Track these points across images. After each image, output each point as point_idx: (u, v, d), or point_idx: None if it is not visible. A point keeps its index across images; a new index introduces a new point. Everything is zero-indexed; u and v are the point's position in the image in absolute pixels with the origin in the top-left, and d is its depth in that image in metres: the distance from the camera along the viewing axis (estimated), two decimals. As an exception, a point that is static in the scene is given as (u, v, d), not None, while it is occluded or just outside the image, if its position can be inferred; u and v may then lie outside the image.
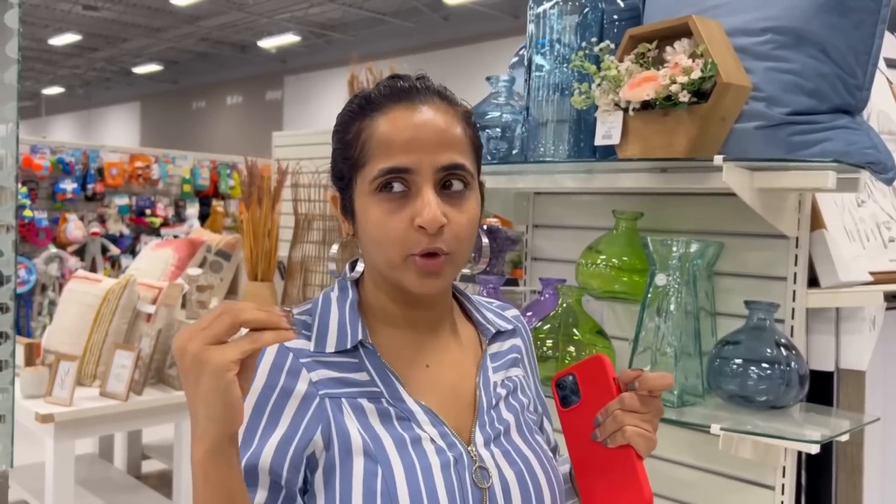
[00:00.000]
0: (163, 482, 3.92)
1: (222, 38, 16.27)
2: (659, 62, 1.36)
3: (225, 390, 0.66)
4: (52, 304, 5.40)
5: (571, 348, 1.48)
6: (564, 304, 1.53)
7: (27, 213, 5.44)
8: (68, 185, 5.67)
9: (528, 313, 1.75)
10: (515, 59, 1.87)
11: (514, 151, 1.68)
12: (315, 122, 14.02)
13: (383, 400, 0.82)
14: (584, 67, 1.40)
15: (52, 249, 5.58)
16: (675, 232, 1.67)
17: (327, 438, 0.79)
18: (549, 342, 1.50)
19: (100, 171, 5.88)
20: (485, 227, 1.91)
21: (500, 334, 0.95)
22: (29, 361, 3.29)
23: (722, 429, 1.25)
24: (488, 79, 1.70)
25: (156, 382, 3.26)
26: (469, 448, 0.83)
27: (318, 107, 15.41)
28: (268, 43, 15.73)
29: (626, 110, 1.38)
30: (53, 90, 22.21)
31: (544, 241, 1.91)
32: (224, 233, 5.61)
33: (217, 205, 6.51)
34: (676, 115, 1.30)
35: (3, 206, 1.82)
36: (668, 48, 1.36)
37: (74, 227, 5.64)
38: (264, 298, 4.16)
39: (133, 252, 5.97)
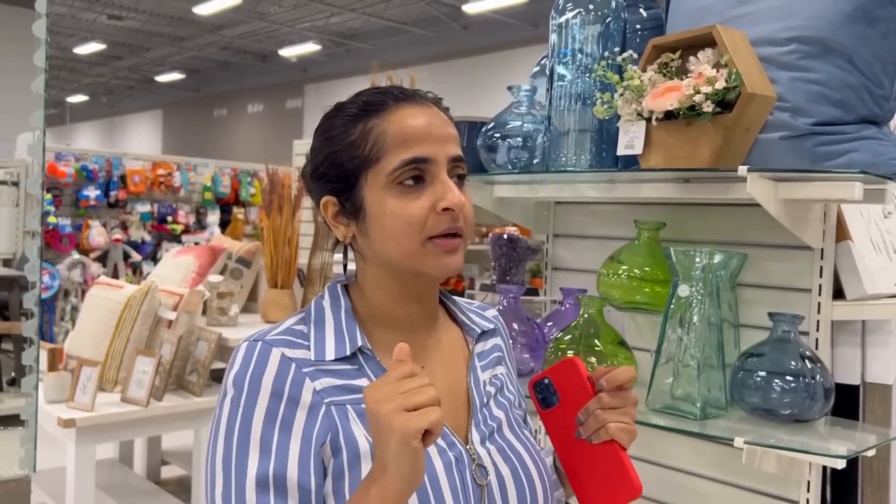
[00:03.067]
0: (181, 488, 3.94)
1: (244, 47, 16.42)
2: (682, 72, 1.36)
3: (413, 454, 0.70)
4: (75, 309, 5.46)
5: (593, 359, 1.47)
6: (586, 315, 1.52)
7: (51, 219, 5.51)
8: (91, 192, 5.73)
9: (549, 323, 1.75)
10: (537, 68, 1.87)
11: (535, 161, 1.68)
12: (334, 131, 13.94)
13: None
14: (607, 77, 1.40)
15: (75, 255, 5.65)
16: (696, 242, 1.66)
17: (336, 446, 0.80)
18: (569, 353, 1.50)
19: (122, 179, 5.94)
20: (504, 235, 1.91)
21: (483, 334, 0.99)
22: (52, 366, 3.32)
23: (746, 442, 1.24)
24: (510, 88, 1.71)
25: (176, 388, 3.28)
26: (468, 447, 0.88)
27: (338, 115, 15.43)
28: (289, 52, 15.85)
29: (648, 120, 1.37)
30: (77, 98, 22.53)
31: (565, 251, 1.90)
32: (245, 240, 5.66)
33: (238, 212, 6.57)
34: (700, 126, 1.29)
35: (30, 214, 1.84)
36: (692, 58, 1.35)
37: (97, 234, 5.71)
38: (284, 306, 4.17)
39: (154, 258, 6.02)
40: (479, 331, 0.98)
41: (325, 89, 16.70)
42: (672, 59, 1.36)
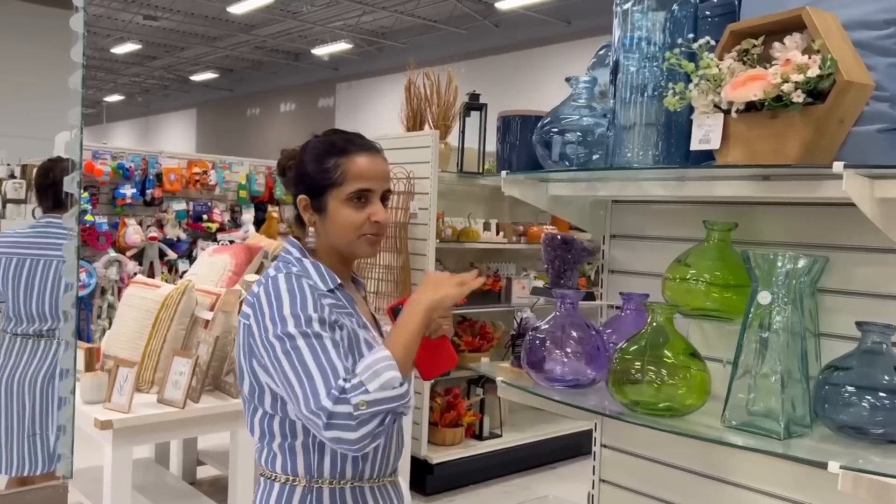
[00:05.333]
0: (216, 489, 3.90)
1: (276, 47, 16.48)
2: (765, 59, 1.24)
3: (457, 295, 1.31)
4: (111, 307, 5.46)
5: (663, 371, 1.36)
6: (654, 323, 1.41)
7: (88, 217, 5.51)
8: (128, 191, 5.72)
9: (608, 330, 1.64)
10: (594, 59, 1.76)
11: (594, 157, 1.58)
12: (366, 129, 13.88)
13: (354, 316, 1.37)
14: (681, 66, 1.29)
15: (112, 254, 5.64)
16: (767, 244, 1.54)
17: (349, 332, 1.31)
18: (637, 364, 1.39)
19: (158, 177, 5.92)
20: (559, 236, 1.80)
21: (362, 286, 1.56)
22: (89, 367, 3.28)
23: (842, 467, 1.12)
24: (568, 80, 1.60)
25: (212, 390, 3.23)
26: (383, 340, 1.37)
27: (370, 113, 15.47)
28: (321, 51, 15.87)
29: (727, 112, 1.26)
30: (114, 98, 22.84)
31: (622, 253, 1.79)
32: (279, 238, 5.61)
33: (272, 210, 6.52)
34: (787, 118, 1.18)
35: (67, 212, 1.79)
36: (777, 44, 1.23)
37: (133, 232, 5.70)
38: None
39: (190, 257, 6.01)
40: (362, 284, 1.55)
41: (357, 88, 16.68)
42: (754, 46, 1.24)
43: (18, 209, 6.85)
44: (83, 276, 5.55)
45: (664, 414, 1.37)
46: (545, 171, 1.58)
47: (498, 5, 12.14)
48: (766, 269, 1.31)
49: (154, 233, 5.83)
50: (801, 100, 1.14)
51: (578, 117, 1.56)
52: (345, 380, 1.20)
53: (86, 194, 5.50)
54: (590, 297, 1.77)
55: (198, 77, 19.31)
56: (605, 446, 1.86)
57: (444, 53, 12.99)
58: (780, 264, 1.29)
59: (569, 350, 1.51)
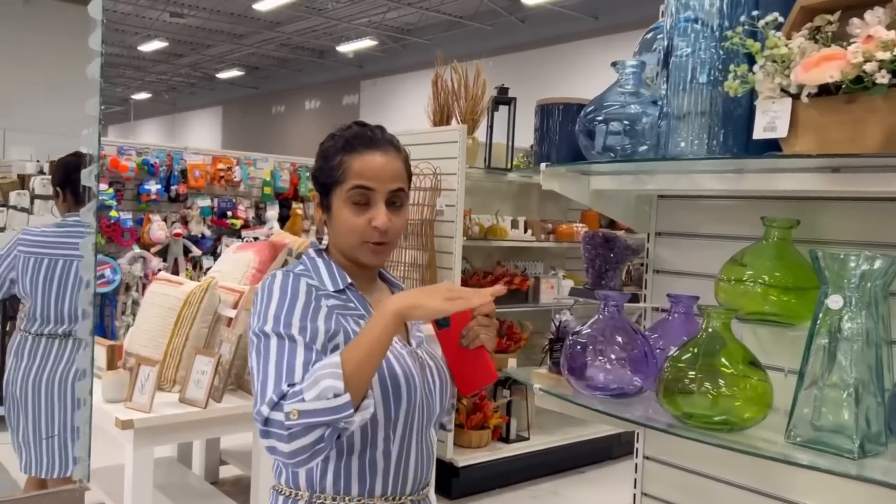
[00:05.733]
0: (239, 489, 3.84)
1: (301, 44, 16.48)
2: (841, 38, 1.12)
3: (436, 307, 1.15)
4: (136, 303, 5.43)
5: (720, 382, 1.25)
6: (710, 329, 1.29)
7: (113, 213, 5.48)
8: (152, 187, 5.68)
9: (653, 335, 1.53)
10: (640, 44, 1.64)
11: (641, 148, 1.46)
12: (390, 126, 13.84)
13: (365, 318, 1.26)
14: (746, 45, 1.17)
15: (136, 250, 5.62)
16: (831, 243, 1.42)
17: (336, 333, 1.22)
18: (690, 373, 1.27)
19: (183, 173, 5.88)
20: (600, 233, 1.69)
21: (398, 286, 1.45)
22: (111, 364, 3.23)
23: (933, 494, 1.00)
24: (614, 64, 1.49)
25: (235, 389, 3.16)
26: (411, 348, 1.33)
27: (394, 110, 15.41)
28: (346, 48, 15.83)
29: (796, 97, 1.14)
30: (141, 95, 23.03)
31: (669, 252, 1.68)
32: (304, 235, 5.55)
33: (296, 207, 6.45)
34: (868, 102, 1.06)
35: (84, 207, 1.72)
36: (854, 20, 1.11)
37: (158, 228, 5.66)
38: (344, 304, 4.03)
39: (214, 253, 5.96)
40: (400, 287, 1.44)
41: (381, 85, 16.63)
42: (829, 23, 1.12)
43: (46, 205, 6.87)
44: (108, 272, 5.52)
45: (720, 428, 1.25)
46: (588, 163, 1.47)
47: (524, 1, 11.99)
48: (836, 270, 1.18)
49: (178, 229, 5.79)
50: (885, 81, 1.01)
51: (625, 105, 1.45)
52: (291, 385, 1.11)
53: (111, 190, 5.47)
54: (633, 299, 1.65)
55: (224, 75, 19.39)
56: (647, 458, 1.75)
57: (470, 50, 12.85)
58: (853, 265, 1.17)
59: (613, 356, 1.40)
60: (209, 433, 3.35)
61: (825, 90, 1.10)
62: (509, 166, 4.14)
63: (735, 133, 1.28)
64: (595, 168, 1.52)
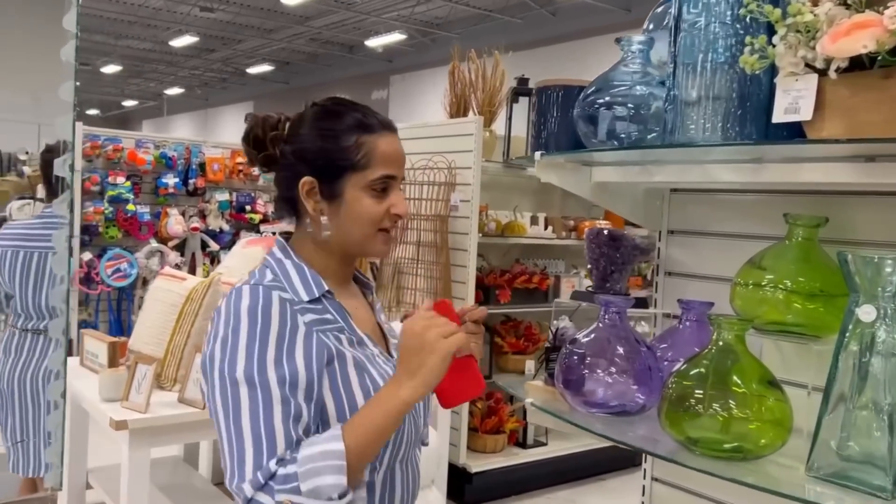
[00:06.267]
0: (246, 491, 3.73)
1: (331, 38, 16.45)
2: (876, 2, 0.95)
3: (443, 368, 1.03)
4: (153, 298, 5.38)
5: (731, 403, 1.08)
6: (720, 343, 1.13)
7: (130, 206, 5.44)
8: (170, 180, 5.63)
9: (663, 345, 1.36)
10: (650, 20, 1.48)
11: (649, 135, 1.30)
12: (419, 121, 13.80)
13: (345, 331, 1.13)
14: (765, 13, 1.00)
15: (154, 244, 5.58)
16: (864, 244, 1.24)
17: (330, 357, 1.08)
18: (698, 392, 1.11)
19: (201, 167, 5.83)
20: (605, 231, 1.53)
21: (370, 288, 1.32)
22: (112, 362, 3.15)
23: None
24: (618, 41, 1.33)
25: (236, 389, 3.04)
26: (394, 360, 1.17)
27: (422, 104, 15.32)
28: (375, 42, 15.76)
29: (823, 73, 0.97)
30: (174, 91, 23.26)
31: (682, 252, 1.51)
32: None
33: (317, 202, 6.37)
34: (909, 76, 0.89)
35: (57, 199, 1.62)
36: (894, -20, 0.94)
37: (175, 223, 5.61)
38: (355, 302, 3.91)
39: (232, 248, 5.90)
40: (370, 286, 1.31)
41: (410, 80, 16.54)
42: (862, -16, 0.95)
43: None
44: (124, 265, 5.49)
45: (732, 456, 1.09)
46: (587, 152, 1.31)
47: (555, -7, 11.77)
48: (869, 276, 1.01)
49: (196, 223, 5.73)
50: (930, 50, 0.84)
51: (631, 86, 1.29)
52: (280, 461, 0.98)
53: (128, 183, 5.43)
54: (642, 303, 1.49)
55: (254, 70, 19.45)
56: (656, 480, 1.58)
57: (500, 43, 12.67)
58: (889, 270, 1.00)
59: (614, 369, 1.24)
60: (210, 435, 3.25)
61: (857, 64, 0.93)
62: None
63: (755, 117, 1.12)
64: (597, 157, 1.36)
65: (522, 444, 4.13)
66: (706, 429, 1.09)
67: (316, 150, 1.13)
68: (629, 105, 1.28)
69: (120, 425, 2.63)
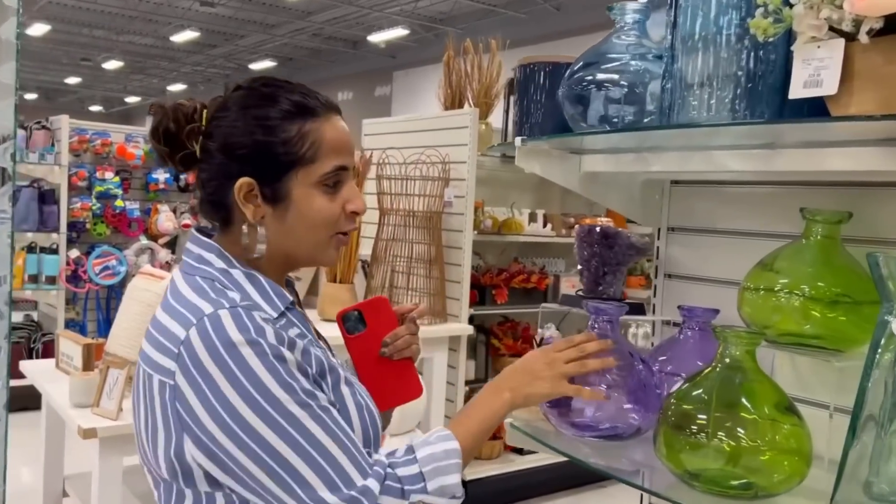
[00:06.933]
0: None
1: (333, 34, 16.31)
2: (918, -50, 0.78)
3: (556, 386, 1.03)
4: (141, 297, 5.24)
5: (739, 431, 0.91)
6: (727, 359, 0.96)
7: (119, 202, 5.31)
8: (161, 176, 5.49)
9: (662, 357, 1.20)
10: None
11: (646, 119, 1.13)
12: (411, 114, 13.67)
13: (314, 343, 0.99)
14: (780, -35, 0.84)
15: (144, 241, 5.43)
16: (891, 243, 1.08)
17: (322, 372, 0.95)
18: (700, 418, 0.94)
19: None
20: (597, 227, 1.37)
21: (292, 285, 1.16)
22: (87, 365, 3.01)
23: None
24: (610, 9, 1.16)
25: (215, 395, 2.90)
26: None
27: (425, 100, 15.16)
28: (377, 37, 15.62)
29: (851, 37, 0.81)
30: (178, 87, 23.17)
31: (683, 252, 1.34)
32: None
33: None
34: (960, 37, 0.72)
35: (-2, 190, 1.47)
36: (940, -78, 0.77)
37: (166, 219, 5.46)
38: (344, 301, 3.76)
39: (224, 246, 5.76)
40: (293, 281, 1.11)
41: (413, 75, 16.39)
42: (901, -73, 0.78)
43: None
44: (112, 262, 5.35)
45: (741, 494, 0.92)
46: (576, 136, 1.14)
47: (559, -13, 11.59)
48: (905, 281, 0.85)
49: (188, 220, 5.58)
50: None
51: (625, 61, 1.12)
52: (390, 459, 0.93)
53: (117, 179, 5.29)
54: (638, 309, 1.33)
55: (257, 66, 19.32)
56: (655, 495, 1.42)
57: (504, 39, 12.48)
58: (930, 275, 0.83)
59: (604, 385, 1.08)
60: (188, 441, 3.10)
61: (893, 26, 0.77)
62: (526, 155, 3.82)
63: (765, 94, 0.95)
64: (587, 143, 1.19)
65: (519, 450, 3.98)
66: (710, 461, 0.93)
67: (251, 144, 0.95)
68: (623, 83, 1.11)
69: (89, 433, 2.49)
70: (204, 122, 0.98)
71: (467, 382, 3.72)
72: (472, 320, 3.67)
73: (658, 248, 1.37)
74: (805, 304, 1.03)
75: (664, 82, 1.04)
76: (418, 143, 3.66)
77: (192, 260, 0.98)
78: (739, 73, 0.96)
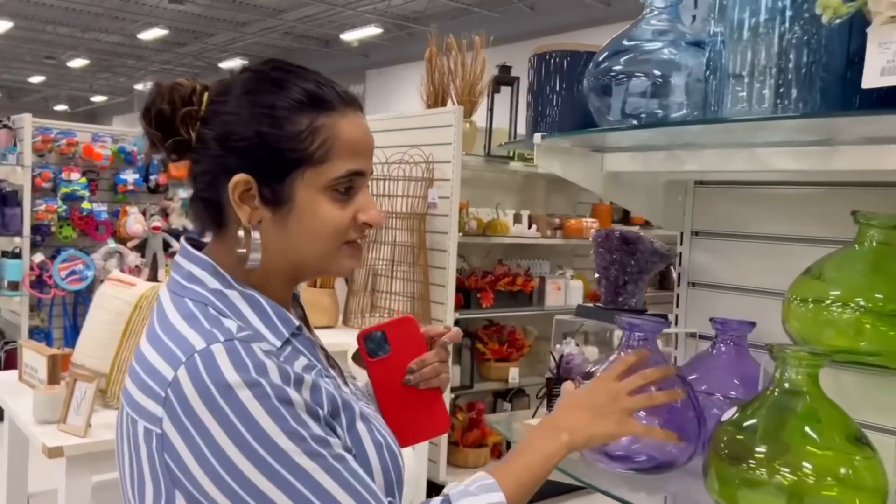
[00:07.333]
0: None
1: (305, 32, 16.12)
2: None
3: (623, 426, 0.90)
4: (110, 302, 5.05)
5: (806, 468, 0.81)
6: (786, 384, 0.85)
7: (85, 204, 5.10)
8: (129, 176, 5.30)
9: (693, 375, 1.09)
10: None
11: (677, 112, 1.02)
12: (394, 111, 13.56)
13: (323, 371, 0.86)
14: (860, -67, 0.73)
15: (112, 244, 5.24)
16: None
17: (336, 409, 0.82)
18: (758, 451, 0.83)
19: (164, 162, 5.50)
20: (616, 232, 1.26)
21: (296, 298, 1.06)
22: (52, 377, 2.84)
23: None
24: (640, -8, 1.05)
25: (190, 408, 2.74)
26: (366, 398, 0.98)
27: (399, 99, 15.08)
28: (350, 36, 15.47)
29: (939, 16, 0.70)
30: (146, 86, 22.73)
31: (709, 258, 1.24)
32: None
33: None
34: None
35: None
36: None
37: (135, 221, 5.27)
38: (324, 308, 3.62)
39: (197, 249, 5.58)
40: (296, 296, 0.99)
41: (387, 75, 16.28)
42: None
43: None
44: (80, 266, 5.14)
45: (806, 536, 0.82)
46: (605, 131, 1.02)
47: (534, -14, 11.54)
48: None
49: (158, 222, 5.39)
50: None
51: (656, 49, 1.01)
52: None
53: (83, 180, 5.09)
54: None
55: (227, 64, 19.02)
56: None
57: (484, 37, 12.37)
58: None
59: (643, 412, 0.97)
60: (162, 457, 2.94)
61: None
62: (512, 154, 3.71)
63: (831, 87, 0.85)
64: (611, 141, 1.08)
65: (501, 457, 3.88)
66: (772, 498, 0.82)
67: (252, 136, 0.82)
68: (654, 74, 1.00)
69: (54, 452, 2.33)
70: (203, 107, 0.85)
71: (452, 389, 3.61)
72: (456, 324, 3.56)
73: (681, 254, 1.26)
74: (860, 318, 0.93)
75: (707, 72, 0.93)
76: (401, 142, 3.54)
77: (181, 277, 0.85)
78: (795, 61, 0.85)
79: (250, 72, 0.87)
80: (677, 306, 1.27)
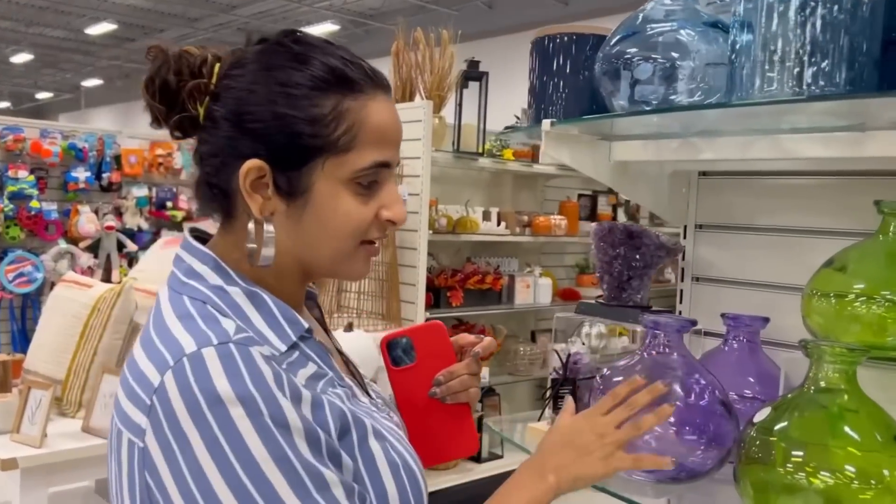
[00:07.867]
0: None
1: (260, 28, 15.81)
2: None
3: (610, 463, 0.84)
4: (61, 305, 4.84)
5: (849, 470, 0.76)
6: (821, 382, 0.81)
7: (34, 203, 4.87)
8: (81, 174, 5.08)
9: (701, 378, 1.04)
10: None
11: (689, 96, 0.97)
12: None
13: (335, 380, 0.79)
14: None
15: (63, 245, 5.04)
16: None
17: (346, 427, 0.74)
18: (795, 455, 0.78)
19: (117, 159, 5.30)
20: (620, 226, 1.21)
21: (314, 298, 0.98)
22: (3, 385, 2.68)
23: None
24: (654, -31, 1.00)
25: (153, 415, 2.62)
26: (387, 409, 0.88)
27: (357, 98, 14.92)
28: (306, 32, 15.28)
29: None
30: (93, 82, 22.09)
31: (714, 252, 1.20)
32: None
33: (246, 198, 5.91)
34: None
35: None
36: None
37: (87, 221, 5.06)
38: (291, 308, 3.51)
39: (153, 249, 5.39)
40: (314, 295, 0.94)
41: (344, 72, 16.13)
42: None
43: None
44: (28, 268, 4.92)
45: (849, 543, 0.78)
46: (620, 116, 0.97)
47: (492, -16, 11.54)
48: None
49: (111, 221, 5.18)
50: None
51: (671, 30, 0.95)
52: None
53: (31, 178, 4.86)
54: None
55: (178, 61, 18.63)
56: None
57: (435, 36, 12.32)
58: None
59: (668, 428, 0.91)
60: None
61: None
62: (481, 150, 3.66)
63: (866, 69, 0.80)
64: (621, 128, 1.02)
65: (477, 459, 3.82)
66: (812, 504, 0.77)
67: (268, 117, 0.73)
68: (670, 56, 0.95)
69: (7, 464, 2.22)
70: (214, 80, 0.76)
71: (422, 390, 3.55)
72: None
73: (685, 247, 1.22)
74: (887, 313, 0.90)
75: (731, 54, 0.88)
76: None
77: (181, 273, 0.77)
78: (830, 40, 0.81)
79: (269, 43, 0.77)
80: (681, 302, 1.23)
